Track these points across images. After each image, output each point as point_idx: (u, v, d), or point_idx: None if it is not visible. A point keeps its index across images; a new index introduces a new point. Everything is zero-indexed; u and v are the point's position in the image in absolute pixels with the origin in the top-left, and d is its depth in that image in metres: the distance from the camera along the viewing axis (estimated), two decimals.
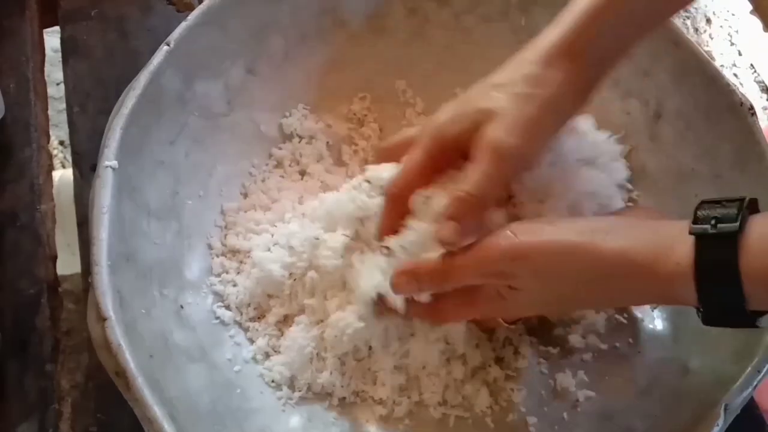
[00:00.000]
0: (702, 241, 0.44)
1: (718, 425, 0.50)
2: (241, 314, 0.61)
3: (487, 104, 0.51)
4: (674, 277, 0.44)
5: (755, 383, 0.52)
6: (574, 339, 0.61)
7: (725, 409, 0.51)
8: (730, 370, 0.54)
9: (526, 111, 0.50)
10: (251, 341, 0.60)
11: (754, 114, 0.61)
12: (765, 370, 0.53)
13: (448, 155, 0.53)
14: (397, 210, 0.54)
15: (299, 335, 0.59)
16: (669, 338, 0.61)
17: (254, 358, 0.59)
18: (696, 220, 0.45)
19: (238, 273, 0.62)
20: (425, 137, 0.54)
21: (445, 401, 0.59)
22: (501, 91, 0.51)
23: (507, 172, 0.51)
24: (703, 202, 0.46)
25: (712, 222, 0.43)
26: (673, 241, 0.45)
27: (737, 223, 0.43)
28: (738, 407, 0.52)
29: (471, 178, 0.50)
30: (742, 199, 0.45)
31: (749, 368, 0.52)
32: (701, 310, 0.45)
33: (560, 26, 0.52)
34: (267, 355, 0.59)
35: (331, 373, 0.58)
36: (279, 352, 0.59)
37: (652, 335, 0.62)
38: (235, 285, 0.61)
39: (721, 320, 0.46)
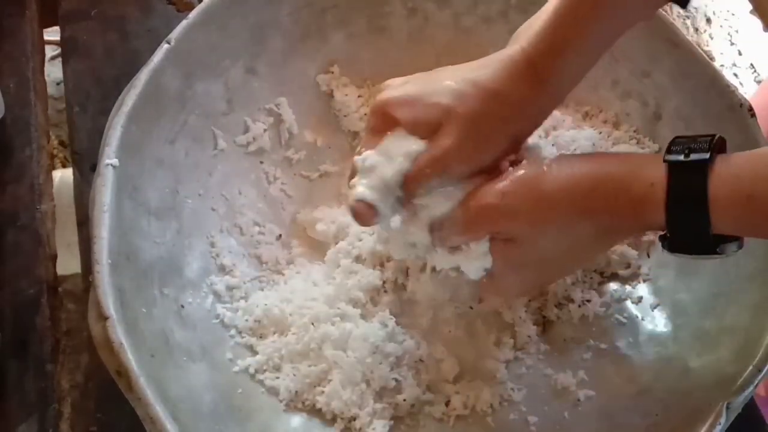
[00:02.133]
0: (674, 167, 0.48)
1: (720, 424, 0.50)
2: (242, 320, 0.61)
3: (448, 101, 0.52)
4: (647, 197, 0.48)
5: (756, 382, 0.52)
6: (574, 338, 0.62)
7: (727, 408, 0.51)
8: (730, 370, 0.54)
9: (482, 113, 0.52)
10: (251, 348, 0.59)
11: (753, 115, 0.62)
12: (766, 369, 0.53)
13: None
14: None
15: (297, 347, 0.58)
16: (669, 338, 0.61)
17: (256, 370, 0.58)
18: (669, 151, 0.49)
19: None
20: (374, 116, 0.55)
21: (446, 400, 0.59)
22: (467, 86, 0.53)
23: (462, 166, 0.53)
24: (676, 138, 0.50)
25: (686, 152, 0.48)
26: (648, 165, 0.49)
27: (708, 154, 0.47)
28: (739, 406, 0.52)
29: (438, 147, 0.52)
30: (713, 136, 0.48)
31: (750, 367, 0.53)
32: (668, 235, 0.49)
33: (530, 38, 0.53)
34: (265, 371, 0.59)
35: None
36: (278, 370, 0.58)
37: (652, 335, 0.62)
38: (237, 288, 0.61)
39: (686, 246, 0.49)
